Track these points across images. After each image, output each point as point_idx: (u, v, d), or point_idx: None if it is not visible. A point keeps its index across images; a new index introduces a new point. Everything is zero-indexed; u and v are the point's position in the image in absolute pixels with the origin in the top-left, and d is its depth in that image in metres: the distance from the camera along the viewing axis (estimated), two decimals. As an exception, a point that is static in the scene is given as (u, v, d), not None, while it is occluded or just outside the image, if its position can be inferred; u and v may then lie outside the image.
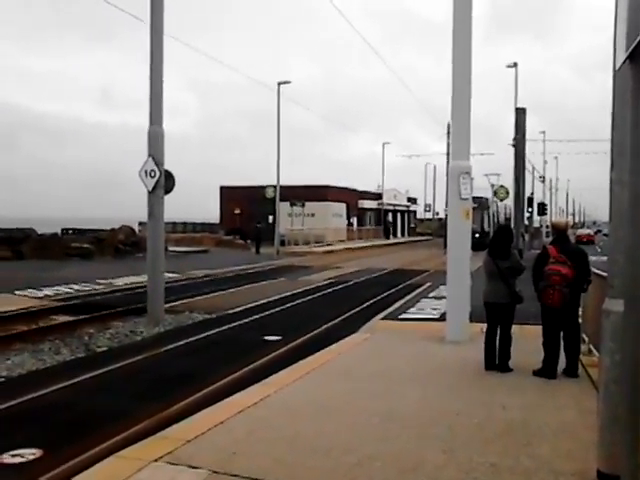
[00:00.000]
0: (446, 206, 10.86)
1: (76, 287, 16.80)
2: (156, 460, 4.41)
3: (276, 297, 15.45)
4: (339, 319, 12.26)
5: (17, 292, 15.18)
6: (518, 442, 4.90)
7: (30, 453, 5.06)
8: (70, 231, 36.17)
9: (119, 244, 28.40)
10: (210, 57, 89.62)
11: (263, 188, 39.08)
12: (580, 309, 7.52)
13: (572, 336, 7.12)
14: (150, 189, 12.36)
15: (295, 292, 16.71)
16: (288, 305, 14.38)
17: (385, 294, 16.49)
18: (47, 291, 15.79)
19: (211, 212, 54.23)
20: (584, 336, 8.17)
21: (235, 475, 4.17)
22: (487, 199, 41.64)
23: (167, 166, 12.59)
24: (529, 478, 4.22)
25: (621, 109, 3.58)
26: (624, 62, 3.50)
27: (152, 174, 12.26)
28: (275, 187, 35.90)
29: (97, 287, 17.12)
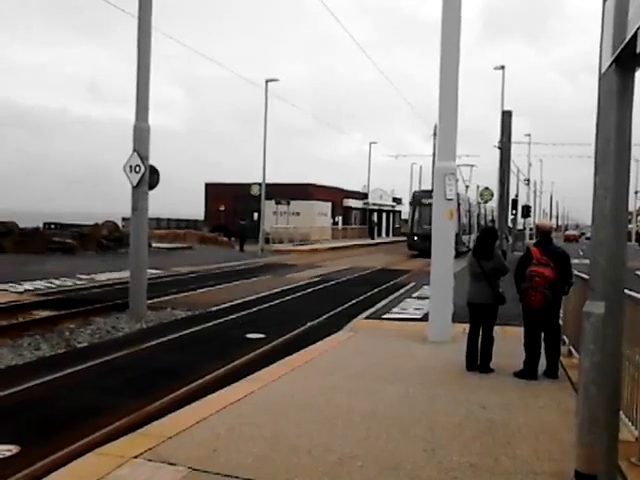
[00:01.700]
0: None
1: (57, 282, 16.63)
2: (136, 457, 4.37)
3: (260, 295, 15.41)
4: (323, 317, 12.26)
5: (-3, 286, 15.01)
6: (498, 442, 4.93)
7: (7, 449, 5.00)
8: (52, 225, 35.79)
9: (102, 239, 28.16)
10: (200, 54, 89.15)
11: (248, 185, 38.95)
12: (561, 311, 7.59)
13: (553, 338, 7.18)
14: (134, 184, 12.28)
15: (279, 290, 16.68)
16: (272, 303, 14.35)
17: (369, 293, 16.52)
18: (27, 285, 15.61)
19: (197, 209, 54.05)
20: (565, 338, 8.25)
21: (215, 473, 4.15)
22: (458, 194, 36.86)
23: (153, 162, 12.53)
24: (508, 478, 4.24)
25: (606, 113, 3.61)
26: (609, 66, 3.53)
27: (137, 169, 12.19)
28: (261, 185, 35.78)
29: (79, 282, 16.96)
